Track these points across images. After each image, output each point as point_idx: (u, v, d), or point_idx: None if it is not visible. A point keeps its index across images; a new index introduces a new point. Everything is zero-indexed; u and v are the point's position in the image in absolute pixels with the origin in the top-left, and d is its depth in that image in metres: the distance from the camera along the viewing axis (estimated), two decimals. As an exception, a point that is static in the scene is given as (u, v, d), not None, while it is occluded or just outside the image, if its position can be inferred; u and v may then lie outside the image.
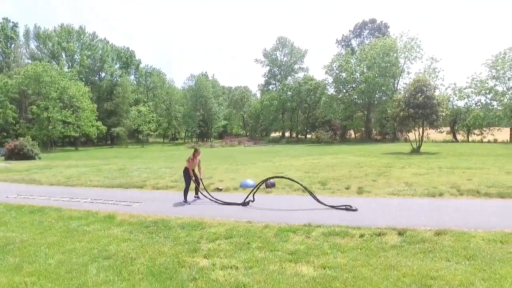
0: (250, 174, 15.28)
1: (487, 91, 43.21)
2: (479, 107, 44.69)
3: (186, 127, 77.89)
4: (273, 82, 76.30)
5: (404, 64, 51.82)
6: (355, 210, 8.46)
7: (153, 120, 67.94)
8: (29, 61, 62.55)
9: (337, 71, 56.62)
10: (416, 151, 25.53)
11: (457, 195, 9.98)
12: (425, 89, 24.27)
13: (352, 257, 5.44)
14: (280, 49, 73.87)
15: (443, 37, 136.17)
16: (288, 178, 10.71)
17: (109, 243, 6.52)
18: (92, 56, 70.17)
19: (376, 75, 49.35)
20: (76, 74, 62.13)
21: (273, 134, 79.56)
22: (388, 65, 49.07)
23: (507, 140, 42.94)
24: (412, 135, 28.51)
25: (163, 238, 6.75)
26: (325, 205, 8.87)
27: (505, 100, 41.64)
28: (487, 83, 43.29)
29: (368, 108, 54.74)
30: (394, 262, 5.19)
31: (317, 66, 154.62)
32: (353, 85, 55.78)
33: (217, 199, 10.06)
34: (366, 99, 53.96)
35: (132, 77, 79.97)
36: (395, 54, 49.97)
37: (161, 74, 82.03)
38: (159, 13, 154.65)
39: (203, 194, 10.50)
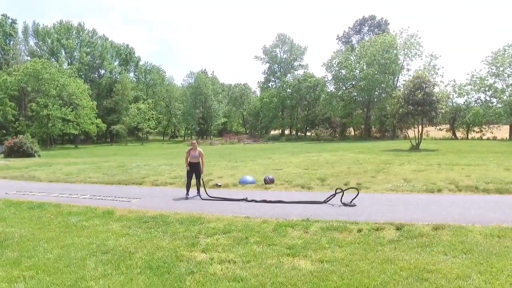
0: (250, 171, 15.29)
1: (487, 88, 43.21)
2: (478, 104, 44.70)
3: (185, 124, 77.84)
4: (273, 79, 76.18)
5: (403, 61, 51.82)
6: (353, 205, 8.49)
7: (152, 117, 67.93)
8: (28, 58, 62.42)
9: (337, 68, 56.58)
10: (415, 148, 25.55)
11: (455, 191, 10.01)
12: (424, 86, 24.24)
13: (349, 251, 5.46)
14: (280, 46, 73.71)
15: (443, 33, 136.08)
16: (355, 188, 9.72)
17: (107, 238, 6.54)
18: (92, 53, 70.05)
19: (376, 72, 49.30)
20: (76, 71, 62.00)
21: (272, 132, 79.55)
22: (388, 62, 49.02)
23: (506, 137, 42.94)
24: (411, 133, 28.54)
25: (161, 233, 6.77)
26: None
27: (505, 97, 41.65)
28: (487, 80, 43.30)
29: (367, 105, 54.73)
30: (391, 256, 5.21)
31: (317, 63, 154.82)
32: (353, 82, 55.77)
33: (216, 197, 10.03)
34: (366, 96, 53.95)
35: (131, 74, 79.89)
36: (394, 51, 49.92)
37: (160, 71, 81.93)
38: (159, 8, 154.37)
39: (201, 197, 10.27)
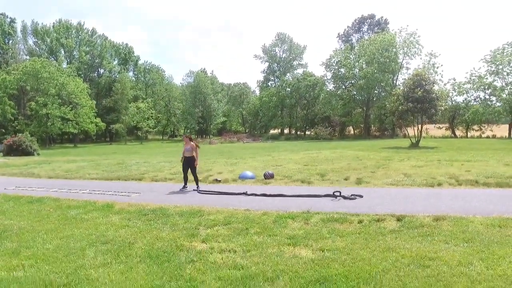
0: (249, 167, 15.26)
1: (486, 87, 43.21)
2: (478, 102, 44.71)
3: (185, 124, 77.79)
4: (272, 78, 76.17)
5: (403, 59, 51.83)
6: (354, 198, 8.47)
7: (152, 116, 67.86)
8: (27, 57, 62.26)
9: (336, 67, 56.57)
10: (414, 145, 25.53)
11: (455, 185, 9.98)
12: (424, 83, 24.23)
13: (350, 241, 5.43)
14: (279, 45, 73.69)
15: (442, 32, 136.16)
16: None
17: (107, 230, 6.51)
18: (91, 52, 69.93)
19: (375, 70, 49.30)
20: (75, 70, 61.86)
21: (272, 131, 79.52)
22: (387, 60, 49.01)
23: (505, 136, 42.96)
24: (411, 132, 28.52)
25: (161, 224, 6.74)
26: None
27: (504, 95, 41.66)
28: (486, 78, 43.29)
29: (367, 104, 54.72)
30: (392, 244, 5.19)
31: (316, 62, 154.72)
32: (352, 81, 55.77)
33: (213, 191, 10.03)
34: (365, 95, 53.93)
35: (130, 73, 79.80)
36: (394, 50, 49.91)
37: (160, 70, 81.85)
38: (158, 8, 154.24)
39: (198, 191, 10.29)
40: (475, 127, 46.36)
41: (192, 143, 10.90)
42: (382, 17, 64.48)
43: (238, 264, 4.66)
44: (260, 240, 5.63)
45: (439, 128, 46.77)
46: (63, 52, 67.40)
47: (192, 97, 72.85)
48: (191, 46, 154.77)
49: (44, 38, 64.84)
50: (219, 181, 12.06)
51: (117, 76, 72.09)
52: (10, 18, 62.13)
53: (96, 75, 74.37)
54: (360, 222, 6.47)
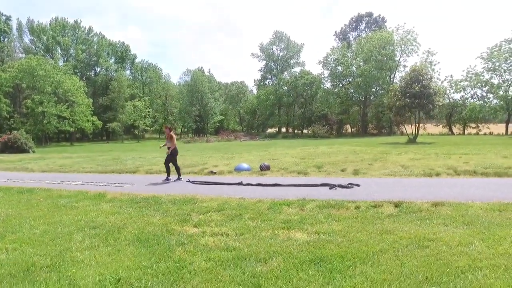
0: (245, 160, 15.08)
1: (483, 84, 43.20)
2: (475, 100, 44.71)
3: (182, 122, 77.44)
4: (269, 76, 75.92)
5: (400, 57, 51.80)
6: (351, 187, 8.32)
7: (148, 115, 67.49)
8: (23, 55, 61.75)
9: (333, 65, 56.45)
10: (412, 141, 25.43)
11: (454, 175, 9.86)
12: (421, 79, 24.11)
13: (347, 225, 5.27)
14: (277, 43, 73.39)
15: (439, 30, 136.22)
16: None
17: (97, 216, 6.32)
18: (87, 50, 69.45)
19: (373, 68, 49.20)
20: (71, 69, 61.40)
21: (269, 130, 79.28)
22: (385, 58, 48.95)
23: (502, 133, 42.98)
24: (408, 129, 28.44)
25: (153, 211, 6.56)
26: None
27: (501, 92, 41.65)
28: (483, 75, 43.29)
29: (364, 102, 54.64)
30: (390, 228, 5.04)
31: (313, 61, 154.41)
32: (350, 79, 55.66)
33: (205, 181, 9.94)
34: (363, 93, 53.83)
35: (127, 72, 79.33)
36: (391, 48, 49.84)
37: (157, 69, 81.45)
38: (155, 7, 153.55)
39: (192, 181, 10.24)
40: (472, 124, 46.37)
41: (170, 133, 10.85)
42: (379, 15, 64.50)
43: (230, 246, 4.49)
44: (254, 224, 5.46)
45: (436, 125, 46.75)
46: (59, 50, 66.83)
47: (189, 95, 72.52)
48: (188, 45, 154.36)
49: (40, 36, 64.31)
50: (215, 173, 11.89)
51: (114, 74, 71.64)
52: (5, 16, 61.64)
53: (92, 73, 73.88)
54: (357, 208, 6.31)
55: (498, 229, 4.74)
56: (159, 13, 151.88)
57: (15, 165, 18.16)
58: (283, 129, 75.05)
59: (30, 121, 51.72)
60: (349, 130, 63.86)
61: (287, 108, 69.39)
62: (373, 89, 53.53)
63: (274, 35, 73.24)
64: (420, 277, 3.40)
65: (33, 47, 64.92)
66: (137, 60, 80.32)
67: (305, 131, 68.76)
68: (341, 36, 66.50)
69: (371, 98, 53.84)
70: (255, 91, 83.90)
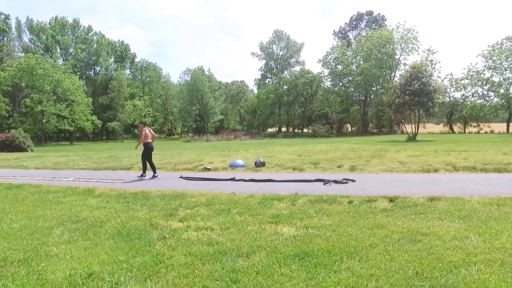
0: (242, 157, 14.86)
1: (484, 82, 42.86)
2: (476, 98, 44.40)
3: (182, 122, 77.22)
4: (269, 76, 75.66)
5: (400, 55, 51.48)
6: (346, 182, 8.10)
7: (148, 114, 67.32)
8: (22, 54, 61.59)
9: (333, 64, 56.18)
10: (412, 139, 25.17)
11: (452, 171, 9.64)
12: (421, 76, 23.84)
13: (338, 219, 5.06)
14: (276, 42, 73.09)
15: (440, 28, 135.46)
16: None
17: (81, 211, 6.13)
18: (87, 49, 69.30)
19: (373, 67, 48.92)
20: (71, 68, 61.20)
21: (270, 130, 79.05)
22: (385, 57, 48.66)
23: (504, 131, 42.67)
24: (409, 128, 28.17)
25: (139, 206, 6.36)
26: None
27: (502, 90, 41.34)
28: (484, 74, 42.94)
29: (364, 101, 54.36)
30: (383, 222, 4.83)
31: (313, 59, 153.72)
32: (350, 78, 55.38)
33: (197, 177, 9.74)
34: (363, 92, 53.54)
35: (127, 71, 79.15)
36: (391, 46, 49.54)
37: (157, 68, 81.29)
38: (154, 7, 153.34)
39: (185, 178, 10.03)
40: (473, 123, 46.05)
41: (144, 128, 10.50)
42: (379, 13, 64.19)
43: (213, 240, 4.28)
44: (241, 219, 5.25)
45: (437, 124, 46.46)
46: (59, 49, 66.66)
47: (189, 95, 72.25)
48: (187, 45, 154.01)
49: (40, 35, 64.14)
50: (209, 169, 11.69)
51: (114, 73, 71.48)
52: (4, 15, 61.53)
53: (92, 72, 73.74)
54: (350, 202, 6.10)
55: (496, 223, 4.53)
56: (158, 12, 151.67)
57: (10, 163, 17.99)
58: (284, 129, 74.78)
59: (29, 120, 51.55)
60: (350, 129, 63.57)
61: (287, 108, 69.13)
62: (373, 88, 53.22)
63: (274, 34, 72.98)
64: (410, 272, 3.18)
65: (33, 46, 64.74)
66: (136, 60, 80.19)
67: (305, 130, 68.49)
68: (340, 35, 66.21)
69: (371, 97, 53.54)
70: (255, 91, 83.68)
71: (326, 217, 5.20)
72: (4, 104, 50.92)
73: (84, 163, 15.72)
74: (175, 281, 3.22)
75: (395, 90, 25.11)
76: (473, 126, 46.41)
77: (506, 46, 40.80)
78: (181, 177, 10.10)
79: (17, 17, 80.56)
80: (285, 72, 72.68)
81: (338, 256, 3.64)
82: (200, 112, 73.65)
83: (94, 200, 7.10)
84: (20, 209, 6.45)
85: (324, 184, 8.07)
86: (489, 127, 45.62)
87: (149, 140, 10.62)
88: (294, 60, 74.33)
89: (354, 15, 65.22)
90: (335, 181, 8.17)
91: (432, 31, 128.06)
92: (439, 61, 75.00)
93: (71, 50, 67.72)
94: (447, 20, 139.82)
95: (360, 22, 64.87)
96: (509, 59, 40.39)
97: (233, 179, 9.07)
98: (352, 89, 55.37)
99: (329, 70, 57.78)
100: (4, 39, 61.19)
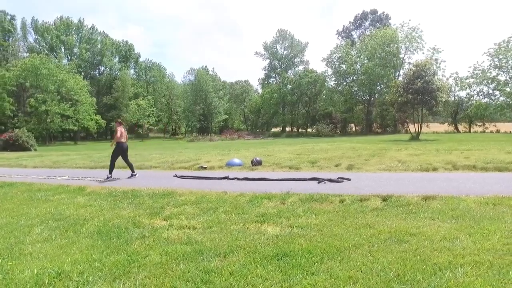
0: (240, 156, 14.72)
1: (489, 81, 42.26)
2: (481, 97, 43.81)
3: (186, 121, 77.27)
4: (273, 75, 75.48)
5: (405, 54, 50.97)
6: (341, 181, 7.92)
7: (152, 114, 67.44)
8: (27, 54, 61.99)
9: (337, 63, 55.83)
10: (415, 138, 24.85)
11: (452, 170, 9.41)
12: (424, 74, 23.51)
13: (326, 218, 4.89)
14: (280, 42, 72.90)
15: (445, 26, 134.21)
16: None
17: (67, 208, 6.02)
18: (91, 49, 69.62)
19: (377, 66, 48.49)
20: (75, 68, 61.48)
21: (274, 129, 78.85)
22: (389, 56, 48.20)
23: (510, 131, 42.07)
24: (412, 127, 27.86)
25: (126, 204, 6.24)
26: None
27: (508, 89, 40.74)
28: (490, 72, 42.32)
29: (368, 100, 53.95)
30: (371, 221, 4.65)
31: (317, 59, 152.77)
32: (354, 77, 54.99)
33: (188, 176, 9.62)
34: (367, 91, 53.13)
35: (131, 71, 79.36)
36: (395, 45, 49.07)
37: (161, 68, 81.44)
38: (157, 7, 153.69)
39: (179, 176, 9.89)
40: (479, 122, 45.45)
41: (120, 127, 10.32)
42: (383, 12, 63.67)
43: (192, 239, 4.14)
44: (227, 218, 5.10)
45: (442, 123, 45.95)
46: (63, 49, 67.04)
47: (193, 94, 72.24)
48: (189, 45, 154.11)
49: (45, 35, 64.52)
50: (205, 168, 11.56)
51: (118, 73, 71.72)
52: (10, 15, 61.93)
53: (96, 72, 74.06)
54: (341, 201, 5.92)
55: (489, 223, 4.33)
56: (159, 12, 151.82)
57: (10, 162, 18.01)
58: (287, 128, 74.55)
59: (33, 120, 51.84)
60: (354, 129, 63.18)
61: (291, 107, 68.84)
62: (377, 87, 52.77)
63: (278, 34, 72.80)
64: (391, 274, 3.02)
65: (38, 46, 65.12)
66: (140, 59, 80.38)
67: (309, 130, 68.22)
68: (344, 34, 65.82)
69: (376, 96, 53.11)
70: (260, 91, 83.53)
71: (314, 216, 5.03)
72: (9, 104, 51.24)
73: (82, 162, 15.68)
74: (144, 281, 3.08)
75: (398, 89, 24.80)
76: (479, 126, 45.80)
77: (513, 44, 40.19)
78: (176, 175, 9.98)
79: (23, 17, 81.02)
80: (289, 71, 72.45)
81: (319, 257, 3.48)
82: (204, 111, 73.62)
83: (83, 198, 6.99)
84: (6, 207, 6.37)
85: (318, 183, 7.90)
86: (495, 126, 45.00)
87: (123, 140, 10.40)
88: (298, 59, 74.11)
89: (359, 14, 64.83)
90: (330, 180, 7.99)
91: (437, 30, 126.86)
92: (444, 60, 74.54)
93: (75, 50, 68.06)
94: (452, 18, 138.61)
95: (364, 21, 64.43)
96: (516, 57, 39.83)
97: (226, 178, 8.93)
98: (356, 89, 54.97)
99: (333, 70, 57.43)
100: (10, 40, 61.59)
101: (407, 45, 49.87)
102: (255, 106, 79.13)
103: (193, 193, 6.98)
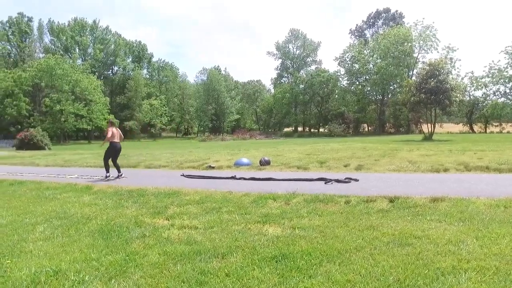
0: (249, 156, 14.67)
1: (506, 80, 41.26)
2: (497, 96, 42.83)
3: (198, 121, 77.68)
4: (286, 75, 75.26)
5: (418, 53, 50.19)
6: (348, 181, 7.80)
7: (165, 113, 67.99)
8: (43, 55, 63.24)
9: (350, 62, 55.31)
10: (428, 138, 24.41)
11: (463, 171, 9.17)
12: (437, 73, 23.05)
13: (329, 220, 4.80)
14: (293, 41, 72.63)
15: (460, 24, 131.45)
16: None
17: (72, 207, 6.07)
18: (105, 50, 70.62)
19: (390, 65, 47.85)
20: (89, 68, 62.47)
21: (286, 129, 78.62)
22: (402, 55, 47.51)
23: (528, 132, 41.03)
24: (425, 127, 27.38)
25: (131, 203, 6.26)
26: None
27: (526, 89, 39.79)
28: (507, 71, 41.33)
29: (381, 100, 53.30)
30: (376, 223, 4.54)
31: (330, 58, 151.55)
32: (366, 77, 54.40)
33: (195, 175, 9.59)
34: (380, 91, 52.48)
35: (144, 71, 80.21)
36: (409, 44, 48.34)
37: (173, 68, 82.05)
38: (171, 8, 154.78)
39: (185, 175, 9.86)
40: (495, 122, 44.44)
41: (111, 127, 10.14)
42: (397, 10, 62.87)
43: (192, 239, 4.11)
44: (229, 218, 5.06)
45: (456, 123, 45.08)
46: (77, 50, 68.20)
47: (205, 94, 72.58)
48: (204, 45, 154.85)
49: (60, 36, 65.74)
50: (213, 167, 11.55)
51: (131, 73, 72.56)
52: (27, 17, 63.26)
53: (110, 72, 75.11)
54: (347, 202, 5.81)
55: (498, 227, 4.18)
56: (172, 13, 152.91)
57: (23, 160, 18.35)
58: (300, 128, 74.24)
59: (48, 119, 52.86)
60: (367, 129, 62.53)
61: (303, 107, 68.52)
62: (390, 87, 52.08)
63: (290, 33, 72.57)
64: (391, 279, 2.92)
65: (53, 47, 66.39)
66: (153, 59, 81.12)
67: (321, 130, 67.79)
68: (357, 34, 65.18)
69: (389, 96, 52.41)
70: (272, 90, 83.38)
71: (317, 218, 4.95)
72: (25, 103, 52.36)
73: (93, 161, 15.85)
74: (139, 281, 3.05)
75: (411, 88, 24.39)
76: (495, 126, 44.77)
77: (531, 42, 39.21)
78: (183, 175, 9.99)
79: (40, 18, 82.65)
80: (301, 71, 72.11)
81: (318, 259, 3.40)
82: (216, 111, 73.86)
83: (89, 197, 7.05)
84: (14, 204, 6.45)
85: (325, 183, 7.79)
86: (512, 126, 44.02)
87: (116, 140, 10.29)
88: (311, 59, 73.72)
89: (372, 12, 64.17)
90: (337, 180, 7.88)
91: (452, 28, 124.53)
92: (459, 59, 73.08)
93: (89, 50, 69.16)
94: (468, 16, 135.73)
95: (378, 20, 63.71)
96: (534, 56, 38.84)
97: (233, 178, 8.89)
98: (369, 88, 54.38)
99: (345, 69, 56.94)
100: (26, 41, 62.88)
101: (421, 44, 49.15)
102: (267, 106, 79.03)
103: (198, 193, 6.96)
